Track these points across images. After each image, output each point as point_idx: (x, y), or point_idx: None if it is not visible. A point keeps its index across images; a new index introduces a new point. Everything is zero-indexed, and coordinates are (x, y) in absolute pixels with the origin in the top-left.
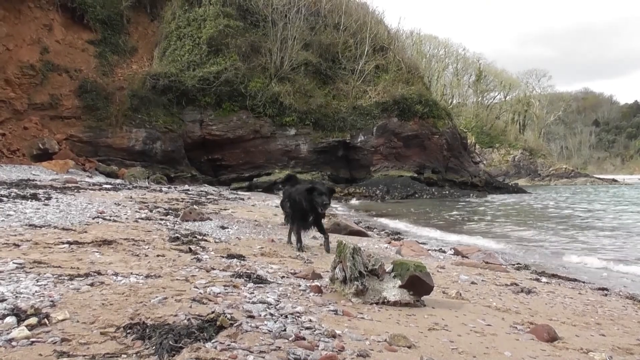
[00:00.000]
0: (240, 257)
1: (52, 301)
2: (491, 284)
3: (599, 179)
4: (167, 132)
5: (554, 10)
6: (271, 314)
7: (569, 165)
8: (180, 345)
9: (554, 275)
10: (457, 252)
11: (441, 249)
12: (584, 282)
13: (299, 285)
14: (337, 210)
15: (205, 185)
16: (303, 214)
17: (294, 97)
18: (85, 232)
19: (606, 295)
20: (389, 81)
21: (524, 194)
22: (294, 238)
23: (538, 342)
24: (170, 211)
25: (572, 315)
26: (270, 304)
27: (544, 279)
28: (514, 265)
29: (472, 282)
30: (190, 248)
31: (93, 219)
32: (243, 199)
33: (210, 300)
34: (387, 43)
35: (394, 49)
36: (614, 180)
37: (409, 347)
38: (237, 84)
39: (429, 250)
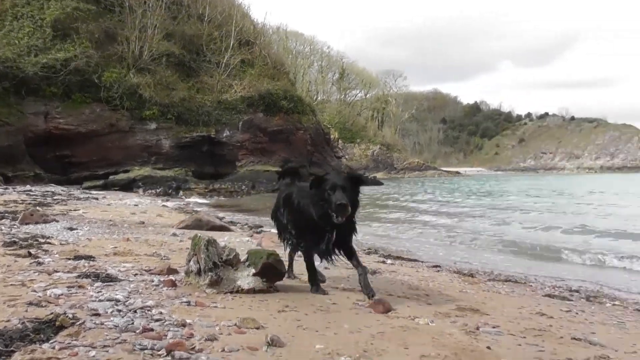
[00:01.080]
0: (90, 257)
1: None
2: (342, 268)
3: (445, 171)
4: (3, 125)
5: (411, 11)
6: (119, 310)
7: (421, 159)
8: (12, 349)
9: (398, 257)
10: None
11: None
12: (422, 262)
13: (152, 281)
14: (201, 206)
15: (53, 185)
16: (313, 227)
17: (155, 90)
18: None
19: (438, 271)
20: (254, 76)
21: (381, 187)
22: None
23: (375, 314)
24: (6, 214)
25: (407, 290)
26: (119, 301)
27: (389, 261)
28: (365, 250)
29: (325, 267)
30: (29, 252)
31: None
32: (97, 199)
33: (50, 303)
34: (253, 37)
35: (260, 44)
36: (458, 173)
37: (257, 329)
38: (89, 74)
39: None
